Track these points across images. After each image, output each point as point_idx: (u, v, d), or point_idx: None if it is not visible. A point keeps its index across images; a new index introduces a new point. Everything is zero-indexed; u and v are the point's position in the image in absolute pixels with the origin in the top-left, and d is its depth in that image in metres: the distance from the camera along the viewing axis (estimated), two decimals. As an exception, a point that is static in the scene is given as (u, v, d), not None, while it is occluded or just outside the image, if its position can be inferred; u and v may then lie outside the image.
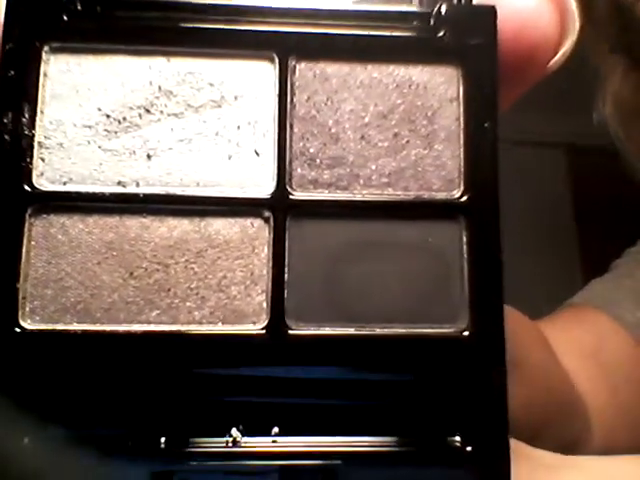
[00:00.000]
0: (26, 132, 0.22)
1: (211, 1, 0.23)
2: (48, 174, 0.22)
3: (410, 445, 0.21)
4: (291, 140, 0.23)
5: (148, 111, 0.23)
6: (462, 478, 0.21)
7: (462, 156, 0.23)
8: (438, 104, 0.24)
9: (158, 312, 0.22)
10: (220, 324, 0.22)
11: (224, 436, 0.21)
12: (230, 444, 0.21)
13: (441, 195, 0.23)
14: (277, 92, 0.23)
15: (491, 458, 0.21)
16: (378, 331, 0.22)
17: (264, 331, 0.22)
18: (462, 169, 0.23)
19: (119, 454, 0.21)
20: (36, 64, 0.22)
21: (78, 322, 0.22)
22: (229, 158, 0.23)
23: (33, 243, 0.22)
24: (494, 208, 0.22)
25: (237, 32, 0.23)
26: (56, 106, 0.22)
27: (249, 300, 0.22)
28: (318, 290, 0.22)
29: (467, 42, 0.24)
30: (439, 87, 0.24)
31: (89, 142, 0.22)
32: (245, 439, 0.21)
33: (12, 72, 0.22)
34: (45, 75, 0.22)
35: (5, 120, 0.22)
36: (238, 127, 0.23)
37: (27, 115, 0.22)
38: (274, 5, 0.23)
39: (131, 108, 0.23)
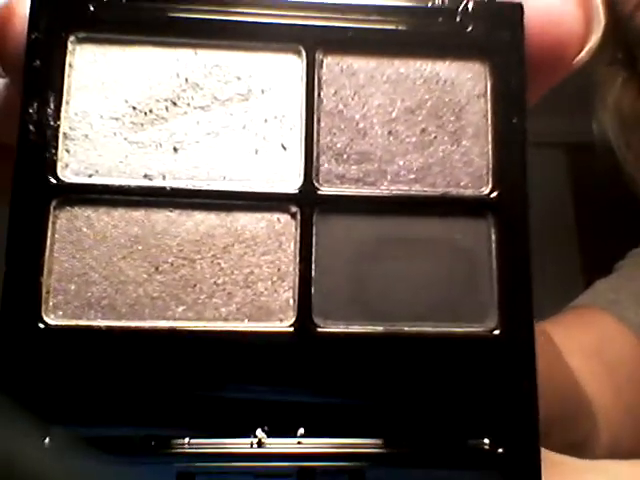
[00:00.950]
0: (51, 123, 0.22)
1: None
2: (73, 166, 0.22)
3: (438, 447, 0.21)
4: (318, 135, 0.23)
5: (175, 104, 0.22)
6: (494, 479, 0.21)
7: (490, 152, 0.23)
8: (466, 100, 0.23)
9: (184, 308, 0.21)
10: (246, 321, 0.21)
11: (249, 437, 0.21)
12: (255, 445, 0.21)
13: (469, 192, 0.23)
14: (304, 86, 0.23)
15: (522, 459, 0.21)
16: (407, 330, 0.21)
17: (292, 329, 0.21)
18: (490, 166, 0.23)
19: (143, 454, 0.21)
20: (61, 54, 0.22)
21: (102, 318, 0.21)
22: (256, 152, 0.22)
23: (57, 236, 0.21)
24: (523, 205, 0.22)
25: (264, 25, 0.23)
26: (82, 97, 0.22)
27: (276, 297, 0.22)
28: (345, 287, 0.22)
29: (494, 38, 0.23)
30: (466, 83, 0.23)
31: (115, 134, 0.22)
32: (270, 440, 0.21)
33: (37, 62, 0.22)
34: (71, 66, 0.22)
35: (30, 110, 0.21)
36: (265, 121, 0.23)
37: (52, 106, 0.22)
38: (302, -2, 0.23)
39: (158, 100, 0.22)
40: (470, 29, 0.23)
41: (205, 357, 0.21)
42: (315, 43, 0.23)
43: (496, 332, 0.22)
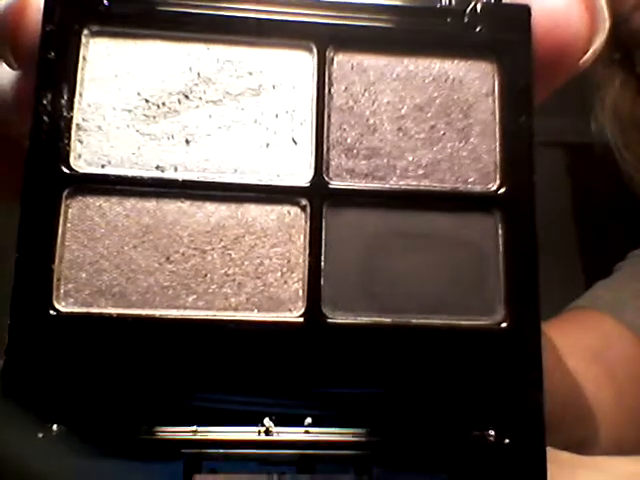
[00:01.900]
0: (64, 114, 0.22)
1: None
2: (86, 156, 0.22)
3: (445, 437, 0.21)
4: (328, 130, 0.23)
5: (187, 97, 0.23)
6: (499, 471, 0.21)
7: (498, 150, 0.23)
8: (474, 98, 0.24)
9: (194, 297, 0.22)
10: (256, 311, 0.22)
11: (257, 425, 0.21)
12: (262, 433, 0.21)
13: (477, 188, 0.23)
14: (315, 82, 0.23)
15: (528, 450, 0.21)
16: (414, 322, 0.22)
17: (301, 319, 0.22)
18: (498, 162, 0.23)
19: (151, 440, 0.21)
20: (75, 47, 0.22)
21: (113, 306, 0.21)
22: (267, 146, 0.23)
23: (69, 225, 0.22)
24: (530, 201, 0.23)
25: (277, 22, 0.23)
26: (95, 89, 0.22)
27: (285, 288, 0.22)
28: (354, 279, 0.22)
29: (502, 39, 0.24)
30: (474, 82, 0.24)
31: (128, 126, 0.22)
32: (277, 429, 0.21)
33: (52, 54, 0.22)
34: (84, 58, 0.22)
35: (44, 101, 0.22)
36: (276, 115, 0.23)
37: (66, 97, 0.22)
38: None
39: (170, 94, 0.23)
40: (479, 29, 0.24)
41: (215, 346, 0.21)
42: (326, 40, 0.23)
43: (503, 325, 0.22)
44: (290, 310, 0.22)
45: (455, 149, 0.23)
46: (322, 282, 0.22)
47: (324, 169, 0.23)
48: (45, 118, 0.22)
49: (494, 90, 0.24)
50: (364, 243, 0.22)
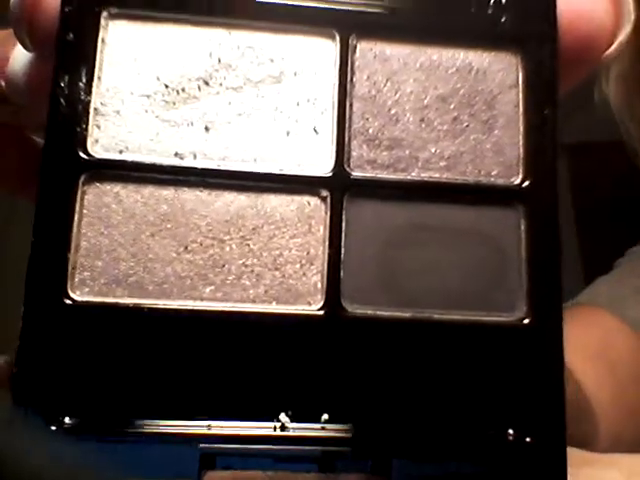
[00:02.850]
0: (82, 97, 0.21)
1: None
2: (103, 141, 0.22)
3: (465, 435, 0.21)
4: (350, 119, 0.22)
5: (207, 83, 0.22)
6: (519, 469, 0.21)
7: (521, 143, 0.23)
8: (498, 90, 0.23)
9: (212, 288, 0.21)
10: (274, 303, 0.21)
11: (272, 421, 0.21)
12: (278, 429, 0.21)
13: (500, 181, 0.23)
14: (337, 70, 0.23)
15: (549, 448, 0.21)
16: (435, 317, 0.21)
17: (321, 312, 0.21)
18: (522, 156, 0.23)
19: (167, 434, 0.21)
20: (95, 29, 0.22)
21: (129, 295, 0.21)
22: (287, 134, 0.22)
23: (85, 212, 0.21)
24: (553, 195, 0.22)
25: (299, 8, 0.23)
26: (114, 73, 0.22)
27: (304, 280, 0.22)
28: (374, 272, 0.22)
29: (527, 30, 0.23)
30: (498, 73, 0.23)
31: (146, 111, 0.22)
32: (293, 424, 0.21)
33: (70, 35, 0.21)
34: (103, 41, 0.22)
35: (62, 84, 0.21)
36: (297, 103, 0.22)
37: (84, 80, 0.21)
38: (338, -18, 0.23)
39: (190, 79, 0.22)
40: (503, 20, 0.23)
41: (232, 338, 0.21)
42: (349, 28, 0.23)
43: (525, 321, 0.22)
44: (309, 303, 0.21)
45: (478, 141, 0.23)
46: (342, 275, 0.21)
47: (345, 159, 0.22)
48: (62, 101, 0.21)
49: (518, 82, 0.23)
50: (384, 235, 0.22)
